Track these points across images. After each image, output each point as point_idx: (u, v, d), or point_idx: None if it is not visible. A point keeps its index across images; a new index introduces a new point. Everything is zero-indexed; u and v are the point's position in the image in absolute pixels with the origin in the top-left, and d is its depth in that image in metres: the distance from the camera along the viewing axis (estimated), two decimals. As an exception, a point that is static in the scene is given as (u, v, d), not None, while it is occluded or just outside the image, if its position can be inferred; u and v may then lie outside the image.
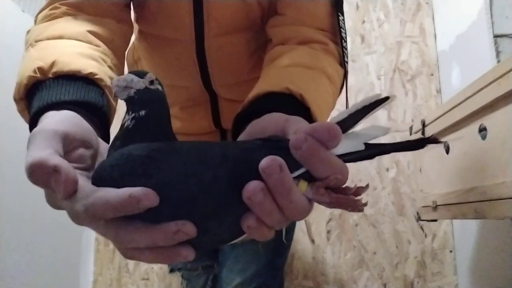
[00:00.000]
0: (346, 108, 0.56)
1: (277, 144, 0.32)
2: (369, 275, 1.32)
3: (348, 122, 0.35)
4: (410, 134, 1.13)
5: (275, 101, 0.46)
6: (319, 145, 0.30)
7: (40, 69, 0.46)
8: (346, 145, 0.33)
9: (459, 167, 0.80)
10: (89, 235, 1.37)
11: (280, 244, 0.79)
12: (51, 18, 0.58)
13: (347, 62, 0.62)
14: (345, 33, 0.62)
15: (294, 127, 0.34)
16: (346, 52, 0.62)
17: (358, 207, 0.33)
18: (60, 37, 0.52)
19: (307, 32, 0.60)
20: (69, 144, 0.35)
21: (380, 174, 1.36)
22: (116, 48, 0.59)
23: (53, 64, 0.46)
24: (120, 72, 0.59)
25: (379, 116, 1.39)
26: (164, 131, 0.36)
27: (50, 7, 0.60)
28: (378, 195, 1.35)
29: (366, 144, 0.34)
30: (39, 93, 0.46)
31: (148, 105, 0.35)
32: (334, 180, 0.31)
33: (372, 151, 0.35)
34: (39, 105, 0.43)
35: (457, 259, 1.30)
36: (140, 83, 0.35)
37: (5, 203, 0.95)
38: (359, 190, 0.33)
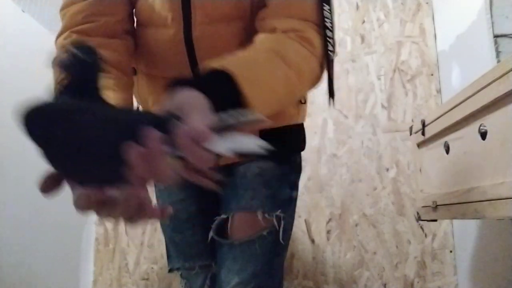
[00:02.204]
0: (329, 97, 0.65)
1: (167, 123, 0.41)
2: (369, 275, 1.32)
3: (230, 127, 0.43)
4: (410, 134, 1.13)
5: (213, 78, 0.50)
6: (192, 143, 0.39)
7: None
8: (219, 144, 0.41)
9: (459, 167, 0.80)
10: (89, 235, 1.37)
11: (278, 244, 0.79)
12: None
13: (332, 52, 0.63)
14: (331, 23, 0.63)
15: (192, 117, 0.41)
16: (331, 41, 0.63)
17: (208, 185, 0.48)
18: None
19: (287, 23, 0.61)
20: None
21: (380, 174, 1.36)
22: (123, 65, 0.68)
23: None
24: (130, 82, 0.70)
25: (379, 116, 1.39)
26: (90, 93, 0.43)
27: (64, 36, 0.68)
28: (378, 195, 1.35)
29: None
30: None
31: (75, 70, 0.43)
32: (198, 165, 0.41)
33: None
34: None
35: (457, 259, 1.30)
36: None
37: (5, 203, 0.95)
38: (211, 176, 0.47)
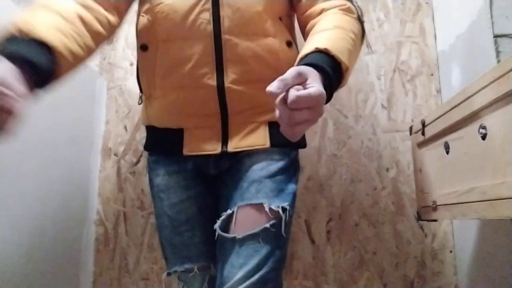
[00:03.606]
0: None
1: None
2: (369, 275, 1.32)
3: None
4: (410, 134, 1.13)
5: (312, 58, 0.68)
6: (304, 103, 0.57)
7: (19, 30, 0.65)
8: None
9: (459, 167, 0.80)
10: (89, 235, 1.37)
11: (280, 237, 0.80)
12: None
13: (361, 14, 0.85)
14: None
15: (308, 83, 0.59)
16: (359, 8, 0.85)
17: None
18: (46, 7, 0.71)
19: (329, 3, 0.83)
20: None
21: (380, 174, 1.36)
22: (94, 32, 0.77)
23: (30, 30, 0.65)
24: (90, 52, 0.78)
25: (379, 116, 1.39)
26: None
27: None
28: (378, 195, 1.35)
29: None
30: (10, 42, 0.64)
31: None
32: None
33: None
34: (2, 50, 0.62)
35: (457, 259, 1.30)
36: None
37: (5, 203, 0.95)
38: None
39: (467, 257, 1.23)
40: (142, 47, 0.86)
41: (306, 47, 0.72)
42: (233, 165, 0.88)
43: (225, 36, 0.81)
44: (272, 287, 0.79)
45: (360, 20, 0.83)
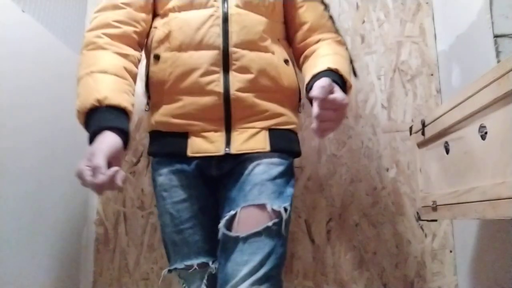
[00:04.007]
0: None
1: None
2: (369, 275, 1.32)
3: None
4: (410, 134, 1.13)
5: (326, 74, 0.85)
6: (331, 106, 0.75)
7: (98, 100, 0.80)
8: None
9: (459, 167, 0.80)
10: (89, 235, 1.37)
11: (281, 236, 0.85)
12: (96, 47, 0.88)
13: (345, 42, 1.04)
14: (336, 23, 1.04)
15: (335, 91, 0.77)
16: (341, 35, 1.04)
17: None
18: (105, 72, 0.85)
19: (326, 35, 1.01)
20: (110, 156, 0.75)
21: (380, 174, 1.36)
22: (134, 75, 0.93)
23: (105, 97, 0.80)
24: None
25: (379, 116, 1.39)
26: None
27: (95, 34, 0.89)
28: (378, 195, 1.35)
29: None
30: (96, 115, 0.81)
31: None
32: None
33: None
34: (99, 125, 0.80)
35: (457, 259, 1.30)
36: None
37: (5, 202, 0.95)
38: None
39: (467, 257, 1.23)
40: (156, 57, 0.93)
41: (318, 67, 0.90)
42: (234, 168, 0.92)
43: (232, 49, 0.90)
44: (274, 283, 0.83)
45: (347, 50, 1.03)
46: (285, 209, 0.86)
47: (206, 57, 0.89)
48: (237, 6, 0.92)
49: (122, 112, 0.83)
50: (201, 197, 0.94)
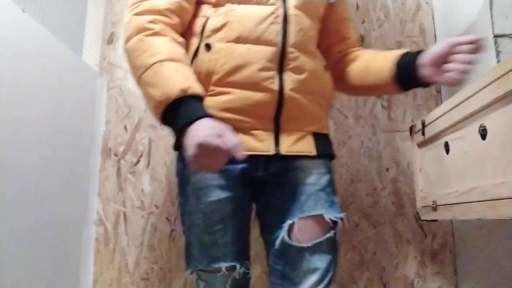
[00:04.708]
0: None
1: None
2: (369, 275, 1.32)
3: None
4: (410, 134, 1.13)
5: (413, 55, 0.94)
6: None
7: (182, 90, 0.78)
8: None
9: (459, 167, 0.80)
10: (89, 235, 1.37)
11: (336, 244, 0.91)
12: (153, 33, 0.85)
13: None
14: None
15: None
16: None
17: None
18: (173, 60, 0.82)
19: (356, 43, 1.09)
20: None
21: (380, 174, 1.36)
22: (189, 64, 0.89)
23: (189, 87, 0.79)
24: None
25: (379, 116, 1.39)
26: None
27: (148, 20, 0.86)
28: (378, 195, 1.35)
29: None
30: (184, 106, 0.78)
31: None
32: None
33: None
34: (192, 116, 0.77)
35: (457, 259, 1.30)
36: None
37: (5, 203, 0.95)
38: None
39: (467, 257, 1.23)
40: (207, 46, 0.90)
41: (395, 52, 0.97)
42: (282, 173, 0.92)
43: (289, 48, 0.89)
44: (332, 286, 0.90)
45: None
46: (342, 219, 0.90)
47: (264, 52, 0.88)
48: (295, 7, 0.92)
49: (202, 100, 0.81)
50: (237, 198, 0.91)
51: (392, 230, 1.33)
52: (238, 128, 0.87)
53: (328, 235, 0.88)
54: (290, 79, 0.89)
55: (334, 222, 0.89)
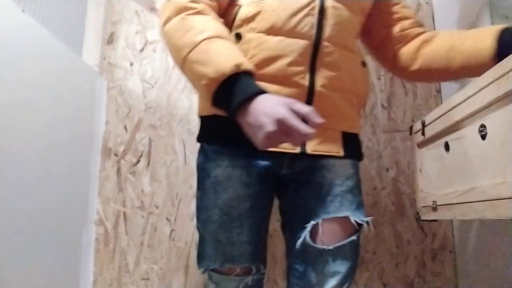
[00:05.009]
0: None
1: None
2: (369, 275, 1.32)
3: None
4: (410, 134, 1.13)
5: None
6: None
7: (236, 65, 0.72)
8: None
9: (459, 167, 0.80)
10: (89, 235, 1.37)
11: (358, 247, 0.88)
12: (196, 12, 0.81)
13: None
14: None
15: None
16: None
17: None
18: (220, 37, 0.77)
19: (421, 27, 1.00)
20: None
21: (380, 174, 1.36)
22: None
23: (242, 63, 0.73)
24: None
25: (379, 116, 1.39)
26: None
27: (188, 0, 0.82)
28: (378, 195, 1.35)
29: None
30: (240, 81, 0.73)
31: None
32: None
33: None
34: (249, 92, 0.72)
35: (457, 259, 1.30)
36: None
37: (5, 203, 0.95)
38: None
39: (467, 257, 1.23)
40: (237, 36, 0.86)
41: (491, 29, 0.84)
42: (307, 172, 0.88)
43: (324, 43, 0.84)
44: None
45: None
46: (367, 223, 0.86)
47: (296, 45, 0.83)
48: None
49: (254, 77, 0.76)
50: (256, 195, 0.87)
51: (392, 230, 1.33)
52: None
53: (352, 238, 0.84)
54: (322, 75, 0.85)
55: (359, 226, 0.86)
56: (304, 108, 0.68)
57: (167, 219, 1.38)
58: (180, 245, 1.36)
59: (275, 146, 0.72)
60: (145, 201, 1.39)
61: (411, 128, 1.13)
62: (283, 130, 0.67)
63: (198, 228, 0.91)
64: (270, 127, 0.67)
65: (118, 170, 1.42)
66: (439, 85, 1.38)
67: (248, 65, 0.74)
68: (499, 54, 0.80)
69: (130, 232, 1.38)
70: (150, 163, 1.41)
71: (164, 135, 1.42)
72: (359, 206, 0.88)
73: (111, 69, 1.49)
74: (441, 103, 1.37)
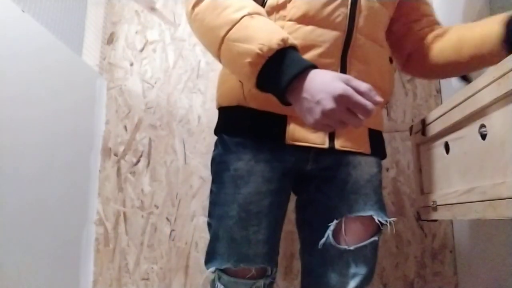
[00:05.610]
0: None
1: None
2: (369, 275, 1.31)
3: None
4: (410, 134, 1.13)
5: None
6: None
7: (283, 40, 0.68)
8: None
9: (459, 167, 0.80)
10: (89, 235, 1.37)
11: (378, 248, 0.86)
12: None
13: None
14: None
15: None
16: None
17: None
18: (260, 14, 0.74)
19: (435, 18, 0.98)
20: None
21: (380, 174, 1.36)
22: None
23: (287, 38, 0.69)
24: None
25: (379, 116, 1.39)
26: None
27: None
28: (378, 195, 1.35)
29: None
30: (289, 56, 0.68)
31: None
32: None
33: None
34: (301, 66, 0.67)
35: (457, 259, 1.30)
36: None
37: (5, 203, 0.95)
38: None
39: (467, 257, 1.23)
40: None
41: (499, 16, 0.82)
42: (332, 166, 0.85)
43: (356, 34, 0.81)
44: None
45: None
46: (390, 223, 0.83)
47: (328, 36, 0.79)
48: None
49: (300, 52, 0.72)
50: (276, 192, 0.83)
51: (392, 230, 1.33)
52: (290, 116, 0.80)
53: (373, 238, 0.82)
54: (352, 68, 0.81)
55: (383, 226, 0.83)
56: (363, 85, 0.64)
57: (167, 219, 1.38)
58: (180, 245, 1.36)
59: (329, 129, 0.67)
60: (145, 201, 1.39)
61: (411, 128, 1.13)
62: (342, 108, 0.63)
63: (209, 224, 0.86)
64: (329, 104, 0.63)
65: (118, 170, 1.42)
66: (439, 85, 1.38)
67: (293, 40, 0.70)
68: (508, 39, 0.77)
69: (130, 232, 1.38)
70: (150, 163, 1.41)
71: (164, 135, 1.42)
72: (382, 206, 0.85)
73: (111, 69, 1.49)
74: (441, 103, 1.37)
